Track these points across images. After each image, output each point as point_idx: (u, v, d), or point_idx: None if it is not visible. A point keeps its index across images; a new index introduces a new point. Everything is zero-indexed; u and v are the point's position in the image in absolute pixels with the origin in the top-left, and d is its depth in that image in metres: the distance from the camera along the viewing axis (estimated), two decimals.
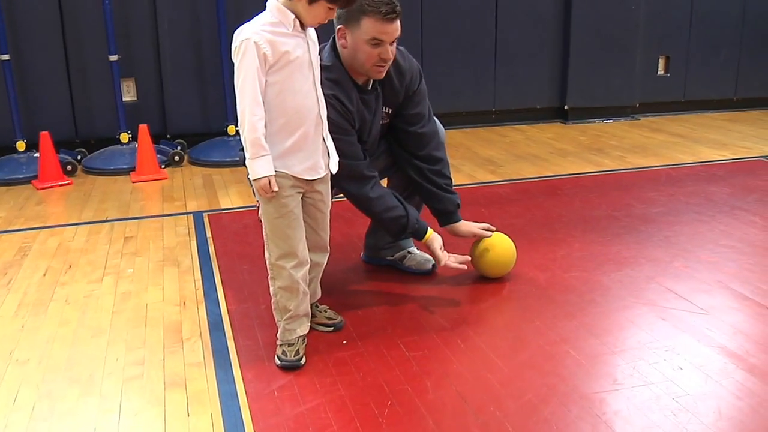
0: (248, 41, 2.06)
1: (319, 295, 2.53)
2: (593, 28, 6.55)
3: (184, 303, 2.80)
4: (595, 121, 6.69)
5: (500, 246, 2.92)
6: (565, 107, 6.65)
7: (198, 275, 3.09)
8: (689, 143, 5.74)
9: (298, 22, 2.13)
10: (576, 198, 4.16)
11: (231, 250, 3.36)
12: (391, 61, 2.54)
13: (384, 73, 2.57)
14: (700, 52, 7.12)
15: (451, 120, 6.25)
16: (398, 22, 2.46)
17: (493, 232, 2.92)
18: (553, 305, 2.71)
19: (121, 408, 2.09)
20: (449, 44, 6.24)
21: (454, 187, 2.90)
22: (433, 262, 2.91)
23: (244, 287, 2.91)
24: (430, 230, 2.76)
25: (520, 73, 6.50)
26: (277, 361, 2.29)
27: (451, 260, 2.77)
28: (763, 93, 7.39)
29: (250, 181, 2.22)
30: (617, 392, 2.10)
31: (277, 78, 2.11)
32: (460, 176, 4.66)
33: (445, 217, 2.89)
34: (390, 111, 2.76)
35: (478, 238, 2.92)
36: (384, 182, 2.90)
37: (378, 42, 2.44)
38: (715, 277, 2.96)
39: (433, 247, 2.75)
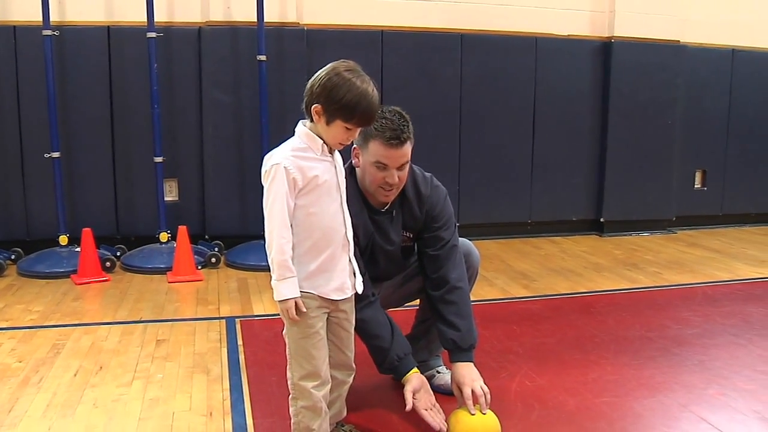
0: (278, 166, 2.13)
1: (344, 414, 2.52)
2: (629, 142, 6.61)
3: (211, 413, 2.80)
4: (631, 234, 6.67)
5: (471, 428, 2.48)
6: (601, 220, 6.66)
7: (226, 384, 3.09)
8: (726, 259, 5.68)
9: (326, 147, 2.21)
10: (609, 317, 4.11)
11: (261, 359, 3.37)
12: (399, 186, 2.56)
13: (390, 197, 2.60)
14: (737, 165, 7.14)
15: (487, 231, 6.32)
16: (404, 148, 2.49)
17: (482, 412, 2.49)
18: None
19: None
20: (486, 155, 6.34)
21: (473, 315, 2.72)
22: None
23: (271, 400, 2.90)
24: (412, 372, 2.59)
25: (556, 185, 6.55)
26: None
27: (423, 409, 2.52)
28: None
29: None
30: None
31: (305, 201, 2.17)
32: (493, 290, 4.67)
33: (450, 353, 2.67)
34: (411, 235, 2.77)
35: (460, 404, 2.56)
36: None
37: (382, 165, 2.49)
38: (751, 407, 2.88)
39: (405, 388, 2.55)
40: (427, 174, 2.76)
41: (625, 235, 6.64)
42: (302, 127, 2.23)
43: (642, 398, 2.96)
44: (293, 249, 2.17)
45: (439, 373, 3.02)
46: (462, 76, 6.18)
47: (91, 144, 5.45)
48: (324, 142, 2.20)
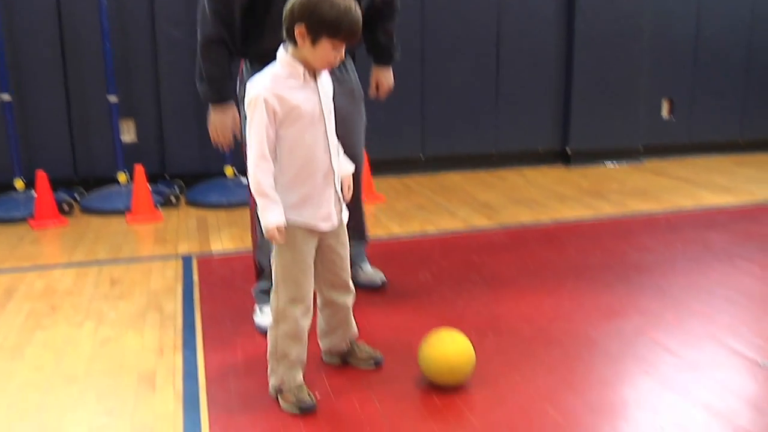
0: (258, 97, 2.10)
1: (356, 331, 2.57)
2: (595, 71, 6.52)
3: (162, 350, 2.76)
4: (597, 165, 6.64)
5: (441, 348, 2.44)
6: (567, 150, 6.62)
7: (179, 322, 3.05)
8: (692, 187, 5.67)
9: (307, 73, 2.16)
10: (570, 245, 4.09)
11: (216, 296, 3.33)
12: None
13: None
14: (705, 94, 7.08)
15: (451, 163, 6.26)
16: None
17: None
18: (535, 359, 2.64)
19: None
20: (449, 86, 6.22)
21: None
22: (383, 278, 3.05)
23: (224, 335, 2.87)
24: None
25: (521, 116, 6.47)
26: (293, 410, 2.26)
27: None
28: None
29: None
30: None
31: (286, 132, 2.16)
32: (455, 221, 4.62)
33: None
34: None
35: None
36: None
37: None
38: (706, 330, 2.89)
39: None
40: None
41: (592, 166, 6.61)
42: (283, 53, 2.18)
43: (598, 324, 2.96)
44: (277, 179, 2.17)
45: (361, 270, 3.09)
46: (424, 5, 6.04)
47: (44, 85, 5.29)
48: (305, 69, 2.15)
